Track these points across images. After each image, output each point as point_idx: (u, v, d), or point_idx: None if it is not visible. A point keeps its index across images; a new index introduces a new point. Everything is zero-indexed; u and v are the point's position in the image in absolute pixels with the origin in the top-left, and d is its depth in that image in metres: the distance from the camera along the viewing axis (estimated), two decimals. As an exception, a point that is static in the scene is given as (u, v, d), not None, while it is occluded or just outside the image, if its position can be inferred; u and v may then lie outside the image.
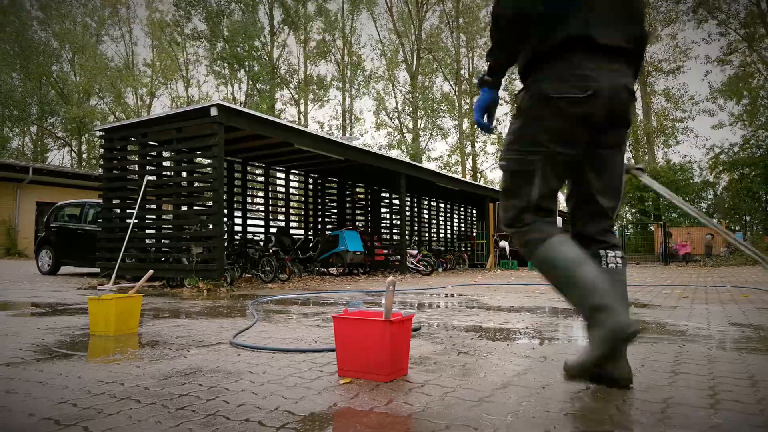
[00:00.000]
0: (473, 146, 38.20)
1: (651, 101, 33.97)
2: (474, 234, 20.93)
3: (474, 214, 22.09)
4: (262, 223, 12.43)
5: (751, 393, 1.89)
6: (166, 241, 8.27)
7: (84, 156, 41.63)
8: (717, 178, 34.74)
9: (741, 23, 32.03)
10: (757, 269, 14.79)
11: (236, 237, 11.34)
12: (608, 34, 1.87)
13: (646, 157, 33.52)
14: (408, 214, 16.92)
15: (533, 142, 1.93)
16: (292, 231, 12.82)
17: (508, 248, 17.01)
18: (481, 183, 29.37)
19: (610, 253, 2.02)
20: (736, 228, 31.94)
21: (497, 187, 19.75)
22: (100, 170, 9.05)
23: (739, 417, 1.62)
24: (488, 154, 39.97)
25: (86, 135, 40.25)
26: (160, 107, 43.66)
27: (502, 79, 2.04)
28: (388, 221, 16.71)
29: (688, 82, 71.74)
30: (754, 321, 3.84)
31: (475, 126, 2.25)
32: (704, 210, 33.12)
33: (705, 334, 3.23)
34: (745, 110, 32.99)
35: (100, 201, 9.16)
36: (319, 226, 14.15)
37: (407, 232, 15.26)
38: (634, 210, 33.62)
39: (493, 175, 43.15)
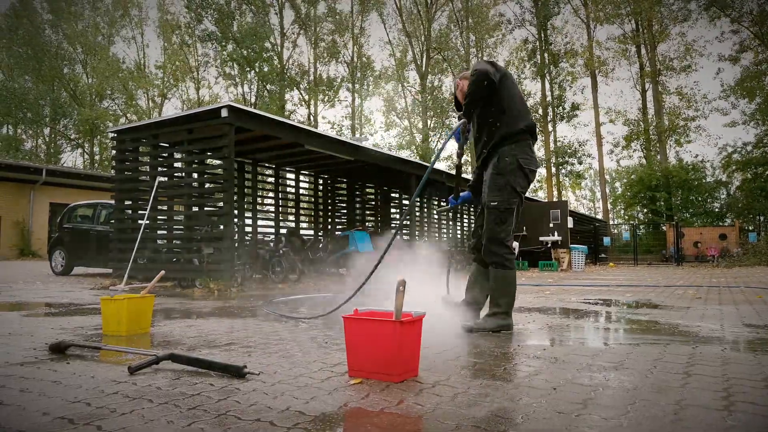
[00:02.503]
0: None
1: (663, 100, 33.65)
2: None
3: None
4: (272, 223, 12.47)
5: (766, 395, 1.86)
6: (178, 242, 8.32)
7: (96, 157, 42.01)
8: (730, 178, 34.34)
9: (754, 21, 31.65)
10: (771, 269, 14.61)
11: (247, 237, 11.38)
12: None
13: (658, 157, 33.21)
14: (418, 214, 16.90)
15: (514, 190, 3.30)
16: (302, 231, 12.84)
17: (518, 249, 16.93)
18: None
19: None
20: (750, 228, 31.53)
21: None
22: (112, 171, 9.11)
23: (755, 419, 1.60)
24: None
25: (98, 137, 40.61)
26: (172, 109, 43.94)
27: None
28: (398, 221, 16.69)
29: (700, 81, 71.06)
30: (769, 322, 3.80)
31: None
32: (717, 210, 32.78)
33: (718, 336, 3.20)
34: (758, 108, 32.58)
35: (112, 202, 9.24)
36: (329, 227, 14.18)
37: (417, 233, 15.22)
38: (645, 210, 33.33)
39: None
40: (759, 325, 3.62)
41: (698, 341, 2.99)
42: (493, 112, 3.33)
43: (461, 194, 3.74)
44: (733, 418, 1.61)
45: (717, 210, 32.94)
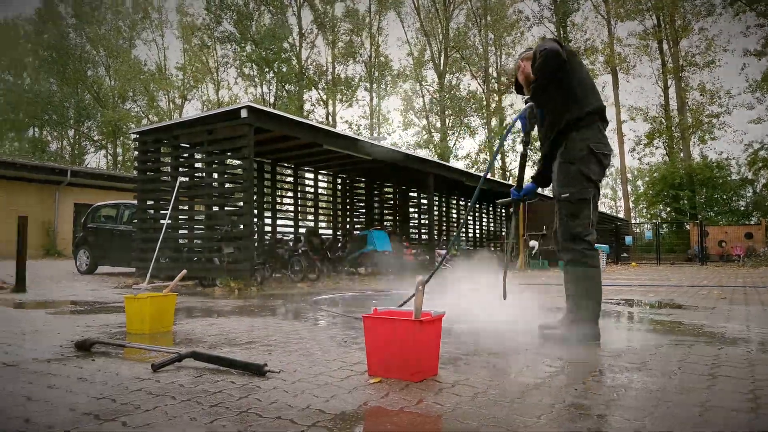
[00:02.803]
0: (503, 144, 37.84)
1: (686, 96, 33.04)
2: (504, 234, 20.73)
3: (504, 214, 21.87)
4: (291, 223, 12.55)
5: (795, 397, 1.82)
6: (198, 241, 8.42)
7: (119, 158, 42.71)
8: (756, 175, 33.54)
9: (781, 14, 30.89)
10: (799, 269, 14.26)
11: (266, 237, 11.47)
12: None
13: (681, 154, 32.63)
14: (436, 213, 16.85)
15: (588, 177, 2.97)
16: (321, 231, 12.91)
17: (537, 248, 16.78)
18: (511, 182, 29.02)
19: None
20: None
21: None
22: (135, 172, 9.26)
23: (782, 422, 1.57)
24: (518, 152, 39.49)
25: (121, 138, 41.29)
26: (192, 110, 44.44)
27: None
28: (417, 221, 16.68)
29: (723, 76, 69.67)
30: (797, 323, 3.71)
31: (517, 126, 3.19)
32: (743, 208, 32.08)
33: (744, 337, 3.13)
34: (786, 104, 31.80)
35: (135, 202, 9.38)
36: (348, 226, 14.22)
37: (435, 232, 15.19)
38: (668, 208, 32.75)
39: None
40: (787, 326, 3.54)
41: (724, 342, 2.94)
42: (559, 95, 3.00)
43: (525, 186, 3.32)
44: (760, 421, 1.57)
45: (743, 208, 32.23)
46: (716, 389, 1.93)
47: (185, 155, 8.93)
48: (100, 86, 41.76)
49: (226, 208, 8.37)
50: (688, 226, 27.39)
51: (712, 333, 3.27)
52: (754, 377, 2.11)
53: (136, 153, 9.22)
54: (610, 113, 41.35)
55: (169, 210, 7.32)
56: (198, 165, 8.94)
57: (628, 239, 24.52)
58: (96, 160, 46.35)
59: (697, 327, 3.54)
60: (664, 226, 30.32)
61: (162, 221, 8.22)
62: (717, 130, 33.28)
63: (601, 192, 3.15)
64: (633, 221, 32.76)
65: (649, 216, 34.93)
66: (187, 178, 8.56)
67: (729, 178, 32.17)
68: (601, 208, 43.02)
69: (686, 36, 32.90)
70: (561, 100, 3.00)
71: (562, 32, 36.21)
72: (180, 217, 8.59)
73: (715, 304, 5.13)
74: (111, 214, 11.89)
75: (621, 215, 35.35)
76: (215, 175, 8.53)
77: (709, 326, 3.57)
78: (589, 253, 2.94)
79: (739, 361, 2.43)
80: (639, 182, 43.83)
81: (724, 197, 32.00)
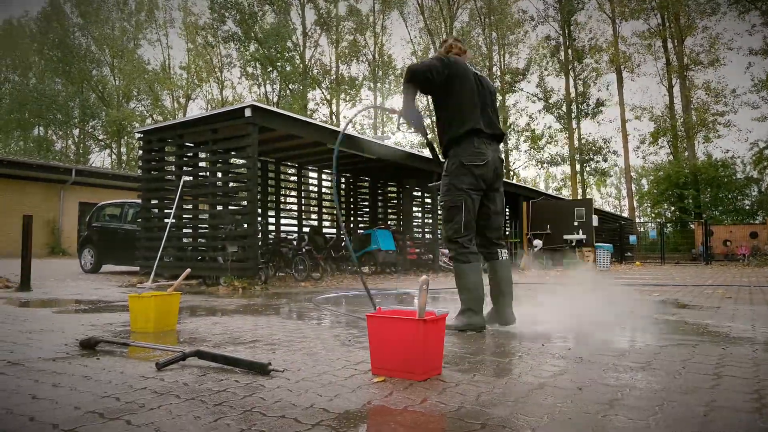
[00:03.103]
0: (506, 143, 37.80)
1: (690, 95, 32.91)
2: (507, 233, 20.69)
3: (507, 213, 21.83)
4: (295, 222, 12.56)
5: (800, 397, 1.81)
6: (202, 241, 8.44)
7: (124, 157, 42.85)
8: (761, 174, 33.36)
9: (787, 13, 30.73)
10: (805, 269, 14.19)
11: (270, 236, 11.48)
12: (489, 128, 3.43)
13: (686, 153, 32.50)
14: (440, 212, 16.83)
15: (459, 189, 3.36)
16: (324, 230, 12.92)
17: (540, 246, 16.76)
18: (514, 181, 28.97)
19: (502, 251, 3.52)
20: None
21: (530, 186, 19.57)
22: (139, 171, 9.29)
23: (788, 422, 1.56)
24: (521, 151, 39.45)
25: (125, 137, 41.42)
26: (196, 109, 44.58)
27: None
28: (420, 220, 16.67)
29: (729, 75, 69.31)
30: (803, 322, 3.69)
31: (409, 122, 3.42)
32: (748, 207, 31.92)
33: (750, 336, 3.12)
34: (791, 103, 31.64)
35: (139, 201, 9.41)
36: (352, 225, 14.22)
37: (439, 231, 15.18)
38: (673, 208, 32.63)
39: (526, 173, 42.62)
40: (792, 326, 3.53)
41: (729, 342, 2.93)
42: (441, 116, 3.50)
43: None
44: (765, 421, 1.57)
45: (748, 207, 32.08)
46: (721, 389, 1.92)
47: (189, 154, 8.95)
48: (104, 86, 41.89)
49: (230, 207, 8.39)
50: (692, 226, 27.29)
51: (717, 332, 3.26)
52: (759, 377, 2.10)
53: (141, 152, 9.24)
54: (614, 112, 40.90)
55: (174, 209, 7.34)
56: (202, 164, 8.95)
57: (632, 238, 24.43)
58: (101, 159, 46.60)
59: (701, 326, 3.53)
60: (668, 225, 30.21)
61: (166, 220, 8.25)
62: (722, 129, 33.16)
63: (497, 193, 3.52)
64: (637, 220, 32.66)
65: (653, 215, 34.84)
66: (191, 177, 8.57)
67: (734, 177, 32.04)
68: (606, 207, 42.99)
69: (691, 34, 32.76)
70: (442, 122, 3.49)
71: (566, 31, 36.12)
72: (184, 216, 8.61)
73: (719, 303, 5.11)
74: (115, 213, 11.93)
75: (625, 214, 35.26)
76: (219, 174, 8.54)
77: (713, 326, 3.56)
78: (462, 252, 3.32)
79: (744, 360, 2.42)
80: (644, 181, 43.68)
81: (729, 196, 31.87)
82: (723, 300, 5.46)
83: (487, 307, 3.43)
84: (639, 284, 8.21)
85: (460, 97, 3.38)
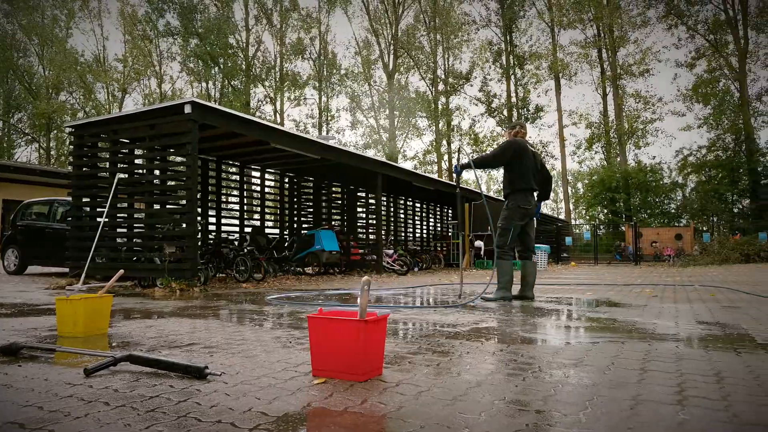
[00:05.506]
0: (449, 145, 38.44)
1: (623, 103, 34.60)
2: (449, 234, 21.05)
3: (450, 214, 22.21)
4: (236, 222, 12.30)
5: (717, 389, 1.94)
6: (138, 241, 8.11)
7: (53, 153, 40.62)
8: (685, 180, 35.53)
9: (709, 29, 32.83)
10: (723, 269, 15.20)
11: (210, 236, 11.20)
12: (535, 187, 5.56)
13: (618, 159, 34.10)
14: (384, 213, 16.91)
15: (512, 218, 5.45)
16: (267, 230, 12.71)
17: (483, 248, 17.14)
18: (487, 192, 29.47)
19: (534, 256, 5.56)
20: (704, 228, 32.70)
21: (473, 188, 19.97)
22: (70, 168, 8.82)
23: (706, 413, 1.66)
24: (465, 154, 40.15)
25: (55, 131, 39.29)
26: (132, 103, 42.80)
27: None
28: (364, 221, 16.70)
29: (658, 85, 73.22)
30: (720, 319, 3.94)
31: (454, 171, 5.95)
32: (673, 211, 33.89)
33: (673, 333, 3.31)
34: (711, 113, 33.82)
35: (70, 199, 8.95)
36: (295, 226, 14.07)
37: (383, 232, 15.25)
38: (605, 210, 34.17)
39: (468, 176, 43.40)
40: (711, 322, 3.76)
41: (654, 338, 3.09)
42: (510, 174, 5.48)
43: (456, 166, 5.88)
44: (686, 412, 1.66)
45: (673, 211, 34.07)
46: (646, 383, 2.03)
47: (125, 151, 8.58)
48: (32, 76, 39.56)
49: (168, 206, 8.11)
50: (623, 228, 28.69)
51: (644, 330, 3.43)
52: (681, 371, 2.23)
53: (72, 147, 8.78)
54: (553, 117, 42.36)
55: (107, 207, 7.02)
56: (138, 161, 8.61)
57: (569, 240, 25.39)
58: (27, 154, 43.88)
59: (630, 324, 3.70)
60: (601, 227, 31.62)
61: (99, 219, 7.88)
62: (650, 136, 35.07)
63: (532, 221, 5.57)
64: (573, 222, 34.01)
65: (588, 218, 36.37)
66: (126, 175, 8.23)
67: (661, 182, 33.95)
68: (543, 210, 44.49)
69: (623, 45, 34.45)
70: (510, 178, 5.49)
71: (508, 37, 37.15)
72: (118, 215, 8.25)
73: (646, 301, 5.39)
74: (43, 212, 11.32)
75: (562, 216, 36.64)
76: (157, 172, 8.24)
77: (641, 323, 3.74)
78: (506, 252, 5.41)
79: (668, 356, 2.56)
80: (579, 185, 45.54)
81: (657, 200, 33.74)
82: (650, 299, 5.76)
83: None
84: (574, 284, 8.54)
85: (520, 167, 5.40)
